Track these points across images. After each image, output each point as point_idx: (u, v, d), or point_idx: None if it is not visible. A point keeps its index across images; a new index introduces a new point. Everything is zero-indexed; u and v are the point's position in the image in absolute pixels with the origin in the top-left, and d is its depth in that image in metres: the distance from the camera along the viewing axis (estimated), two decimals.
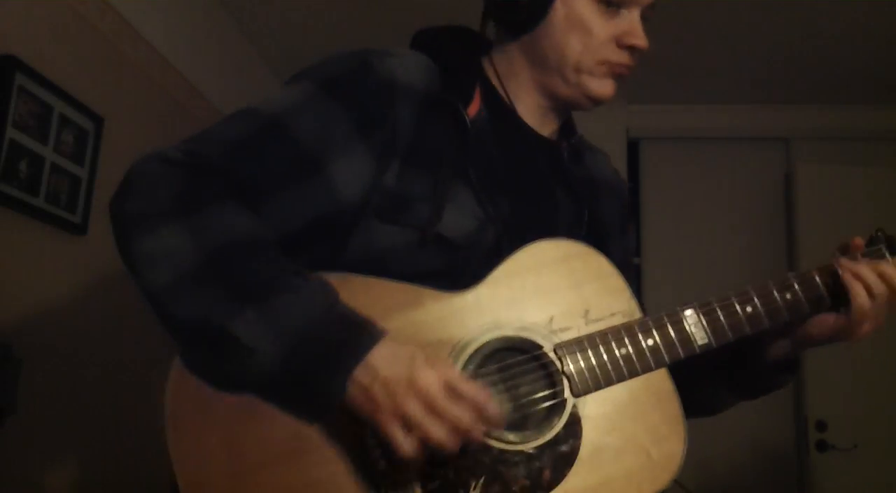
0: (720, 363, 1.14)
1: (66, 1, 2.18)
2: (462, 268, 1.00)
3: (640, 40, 1.07)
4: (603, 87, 1.09)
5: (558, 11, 1.07)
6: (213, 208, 0.91)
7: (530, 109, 1.14)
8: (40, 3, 2.08)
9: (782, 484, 3.57)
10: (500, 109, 1.12)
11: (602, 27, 1.06)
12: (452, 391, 0.86)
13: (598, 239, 1.11)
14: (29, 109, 1.99)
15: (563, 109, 1.16)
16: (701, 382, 1.16)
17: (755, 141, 3.94)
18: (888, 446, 3.40)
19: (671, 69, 3.53)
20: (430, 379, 0.85)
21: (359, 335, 0.88)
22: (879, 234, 1.10)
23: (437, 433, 0.85)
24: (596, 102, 1.10)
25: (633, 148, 3.99)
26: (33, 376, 1.96)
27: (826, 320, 1.05)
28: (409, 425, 0.85)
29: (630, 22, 1.07)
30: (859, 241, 1.10)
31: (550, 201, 1.15)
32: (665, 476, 0.96)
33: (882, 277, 1.03)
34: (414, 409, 0.85)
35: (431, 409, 0.85)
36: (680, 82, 3.68)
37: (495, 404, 0.87)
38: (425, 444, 0.86)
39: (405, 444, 0.85)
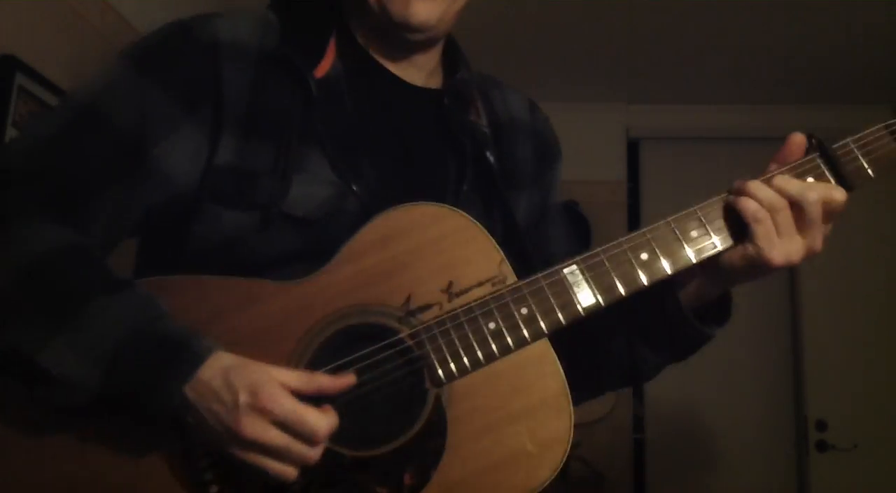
0: (634, 318, 0.98)
1: (66, 1, 2.18)
2: (325, 245, 0.87)
3: None
4: (402, 5, 0.93)
5: None
6: (19, 223, 0.82)
7: (387, 57, 1.00)
8: (40, 3, 2.08)
9: (782, 484, 3.57)
10: (359, 62, 0.99)
11: None
12: (281, 420, 0.77)
13: (498, 191, 1.01)
14: (29, 109, 1.99)
15: (402, 46, 0.99)
16: (612, 343, 1.01)
17: (755, 141, 3.93)
18: (888, 446, 3.40)
19: (671, 69, 3.54)
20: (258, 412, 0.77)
21: (180, 356, 0.78)
22: (813, 141, 0.92)
23: (272, 465, 0.78)
24: (407, 27, 0.94)
25: (633, 148, 3.99)
26: None
27: (736, 250, 0.91)
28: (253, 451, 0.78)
29: None
30: (798, 138, 0.93)
31: (434, 159, 1.01)
32: (552, 462, 0.84)
33: (779, 190, 0.88)
34: (254, 435, 0.77)
35: (263, 445, 0.77)
36: (680, 82, 3.68)
37: (322, 418, 0.77)
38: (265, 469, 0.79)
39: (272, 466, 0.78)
